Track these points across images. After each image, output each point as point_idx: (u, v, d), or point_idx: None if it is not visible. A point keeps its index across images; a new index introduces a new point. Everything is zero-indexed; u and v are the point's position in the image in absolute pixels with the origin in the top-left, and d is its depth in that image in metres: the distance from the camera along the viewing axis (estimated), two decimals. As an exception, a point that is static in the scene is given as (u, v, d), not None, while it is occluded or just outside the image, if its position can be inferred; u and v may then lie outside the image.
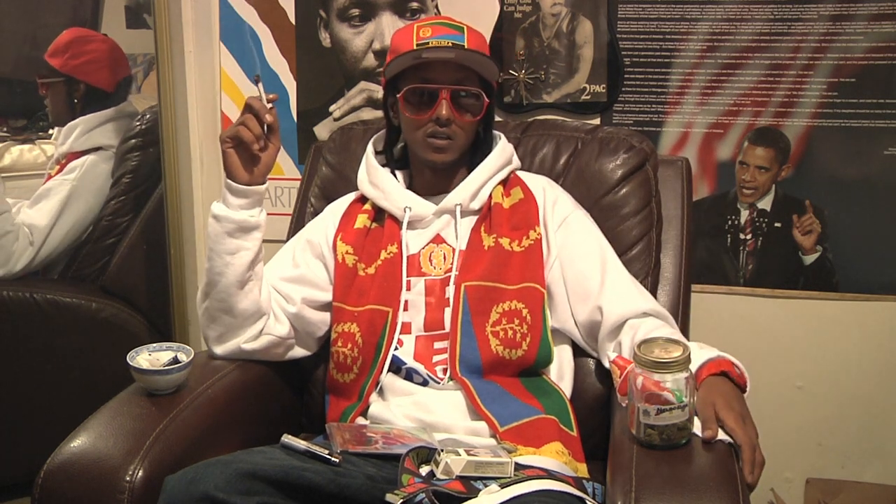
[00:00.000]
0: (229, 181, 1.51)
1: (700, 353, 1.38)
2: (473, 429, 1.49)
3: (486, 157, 1.64)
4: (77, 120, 2.42)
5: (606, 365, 1.53)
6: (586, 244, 1.60)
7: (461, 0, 2.03)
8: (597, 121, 2.02)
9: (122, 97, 2.47)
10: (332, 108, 2.17)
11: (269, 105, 1.49)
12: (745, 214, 2.03)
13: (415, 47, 1.54)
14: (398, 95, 1.58)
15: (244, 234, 1.52)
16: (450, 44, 1.53)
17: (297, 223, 1.88)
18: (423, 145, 1.58)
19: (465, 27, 1.58)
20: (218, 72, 2.21)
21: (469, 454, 1.35)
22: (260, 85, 1.51)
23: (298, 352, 1.67)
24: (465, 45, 1.55)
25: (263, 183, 1.53)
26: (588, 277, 1.57)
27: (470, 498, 1.25)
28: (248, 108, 1.48)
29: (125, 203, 2.39)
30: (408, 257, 1.59)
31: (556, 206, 1.63)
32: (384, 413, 1.53)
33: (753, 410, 1.32)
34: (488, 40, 2.01)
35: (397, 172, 1.69)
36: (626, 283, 1.58)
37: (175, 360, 1.46)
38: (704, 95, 1.99)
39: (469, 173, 1.63)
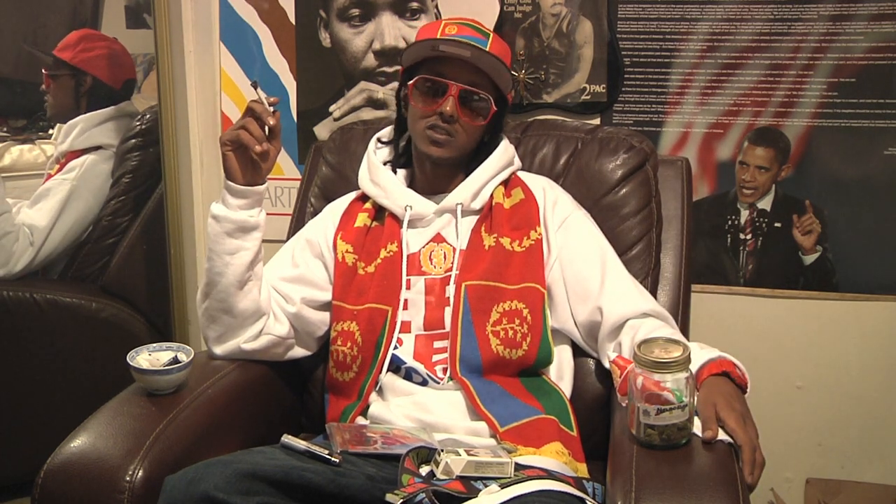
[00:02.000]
0: (228, 182, 1.52)
1: (701, 354, 1.38)
2: (473, 429, 1.49)
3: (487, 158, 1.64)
4: (77, 118, 2.42)
5: (606, 365, 1.53)
6: (586, 245, 1.60)
7: (461, 0, 2.03)
8: (597, 121, 2.02)
9: (125, 97, 2.47)
10: (332, 108, 2.17)
11: (272, 108, 1.49)
12: (745, 214, 2.03)
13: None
14: (410, 84, 1.58)
15: (243, 235, 1.53)
16: (470, 44, 1.53)
17: (297, 223, 1.88)
18: (422, 137, 1.58)
19: (491, 34, 1.58)
20: (218, 72, 2.21)
21: (469, 454, 1.35)
22: (259, 89, 1.51)
23: (298, 351, 1.67)
24: (487, 49, 1.54)
25: (263, 183, 1.54)
26: (588, 278, 1.57)
27: (470, 498, 1.25)
28: (250, 112, 1.48)
29: (125, 203, 2.39)
30: (408, 256, 1.59)
31: (557, 206, 1.63)
32: (384, 413, 1.53)
33: (753, 410, 1.32)
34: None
35: (398, 171, 1.69)
36: (626, 284, 1.58)
37: (175, 360, 1.46)
38: (704, 95, 1.99)
39: (470, 173, 1.63)
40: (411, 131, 1.63)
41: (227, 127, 2.21)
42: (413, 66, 1.60)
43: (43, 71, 2.46)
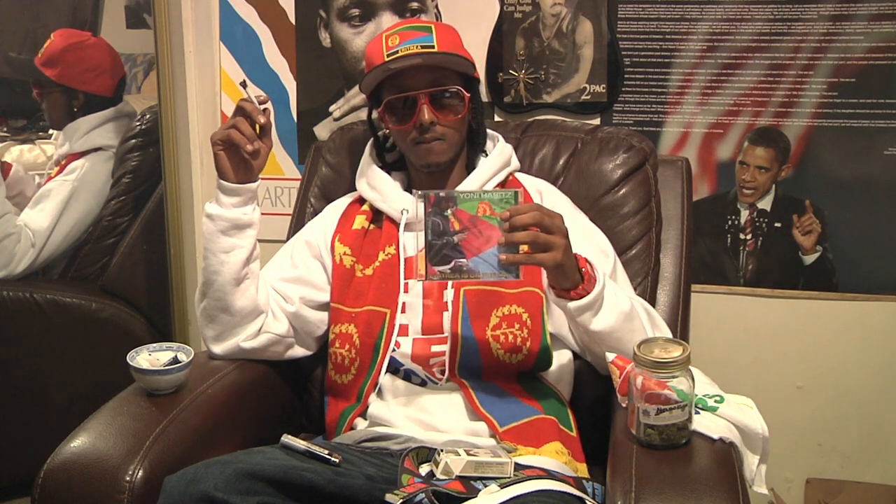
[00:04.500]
0: (221, 181, 1.52)
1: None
2: (473, 429, 1.49)
3: (481, 154, 1.64)
4: (76, 121, 2.42)
5: (588, 359, 1.55)
6: (580, 251, 1.59)
7: (461, 0, 2.03)
8: (597, 121, 2.02)
9: (119, 99, 2.47)
10: (332, 108, 2.17)
11: (262, 106, 1.49)
12: (745, 214, 2.03)
13: (385, 58, 1.54)
14: (379, 110, 1.59)
15: (238, 232, 1.53)
16: (418, 48, 1.53)
17: (297, 223, 1.88)
18: (413, 153, 1.59)
19: (432, 26, 1.58)
20: (218, 72, 2.21)
21: (469, 454, 1.35)
22: (248, 89, 1.51)
23: (298, 351, 1.67)
24: (435, 44, 1.54)
25: (255, 181, 1.54)
26: None
27: (470, 498, 1.25)
28: (240, 111, 1.49)
29: (125, 203, 2.39)
30: (405, 259, 1.59)
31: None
32: (384, 413, 1.53)
33: (754, 410, 1.32)
34: (488, 40, 2.02)
35: (396, 174, 1.69)
36: (624, 287, 1.57)
37: (175, 360, 1.46)
38: (704, 95, 1.99)
39: (467, 174, 1.63)
40: (402, 150, 1.64)
41: (226, 127, 2.22)
42: (374, 90, 1.60)
43: (33, 87, 2.44)
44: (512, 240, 1.31)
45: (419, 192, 1.35)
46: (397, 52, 1.54)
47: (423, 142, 1.56)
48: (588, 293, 1.39)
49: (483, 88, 1.98)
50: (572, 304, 1.39)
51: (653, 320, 1.53)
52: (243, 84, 1.53)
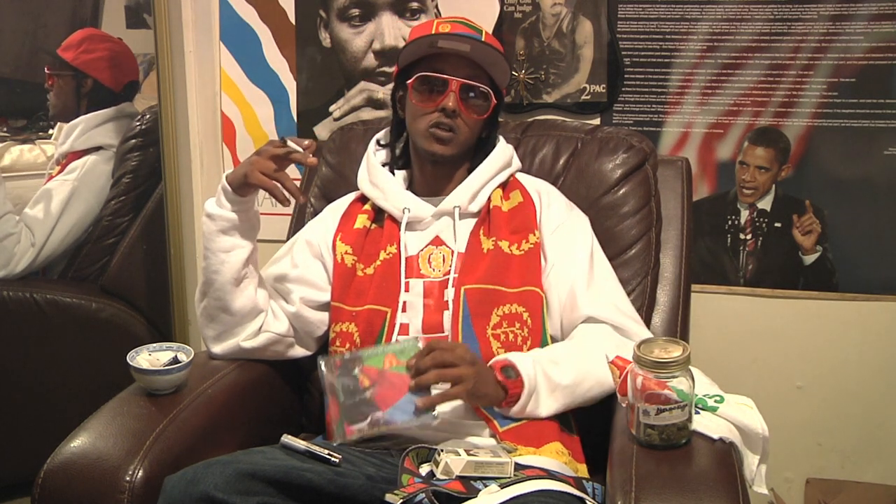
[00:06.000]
0: (228, 188, 1.52)
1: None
2: (473, 429, 1.48)
3: (486, 158, 1.64)
4: (77, 119, 2.42)
5: None
6: (574, 255, 1.59)
7: (461, 0, 2.03)
8: (597, 121, 2.02)
9: (126, 99, 2.48)
10: (332, 108, 2.17)
11: (308, 150, 1.50)
12: (745, 214, 2.03)
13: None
14: (409, 82, 1.58)
15: (238, 232, 1.53)
16: (468, 38, 1.54)
17: (297, 223, 1.88)
18: (425, 135, 1.58)
19: (483, 30, 1.59)
20: (218, 72, 2.21)
21: (469, 454, 1.35)
22: (291, 143, 1.50)
23: (298, 351, 1.67)
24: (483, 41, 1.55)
25: None
26: (575, 292, 1.55)
27: (470, 498, 1.25)
28: (289, 160, 1.49)
29: (125, 203, 2.39)
30: (406, 258, 1.59)
31: (551, 211, 1.62)
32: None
33: (754, 410, 1.32)
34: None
35: (397, 172, 1.69)
36: (606, 295, 1.56)
37: (175, 360, 1.46)
38: (704, 95, 1.99)
39: (469, 175, 1.63)
40: (412, 130, 1.63)
41: (227, 127, 2.22)
42: (409, 66, 1.60)
43: (46, 70, 2.46)
44: (420, 384, 1.35)
45: (322, 360, 1.40)
46: (449, 34, 1.55)
47: (438, 126, 1.56)
48: (518, 397, 1.42)
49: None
50: (510, 412, 1.43)
51: (624, 341, 1.50)
52: (283, 141, 1.51)
